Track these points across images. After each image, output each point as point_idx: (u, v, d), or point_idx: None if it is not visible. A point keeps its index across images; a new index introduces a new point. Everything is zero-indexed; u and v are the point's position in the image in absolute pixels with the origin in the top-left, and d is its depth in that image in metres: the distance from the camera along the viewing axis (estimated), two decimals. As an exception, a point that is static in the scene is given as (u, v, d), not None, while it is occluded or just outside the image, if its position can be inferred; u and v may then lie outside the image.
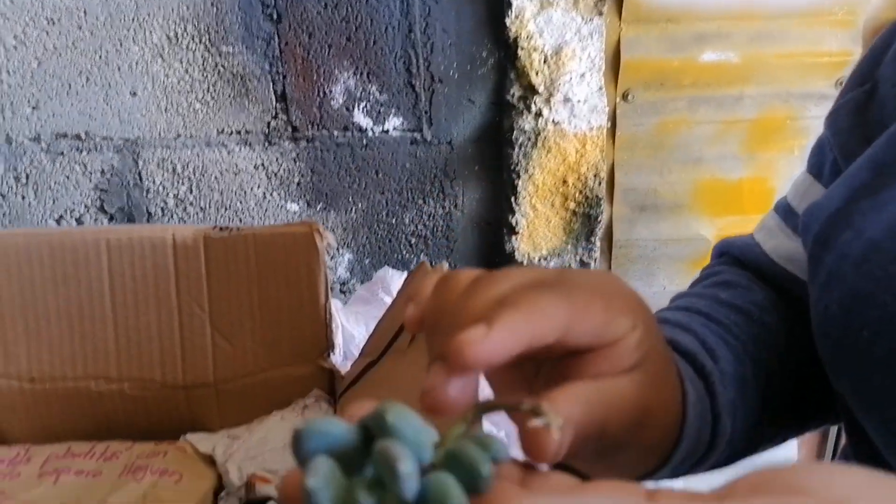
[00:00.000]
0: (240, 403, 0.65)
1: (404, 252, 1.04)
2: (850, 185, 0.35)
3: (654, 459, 0.32)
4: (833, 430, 1.09)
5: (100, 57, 0.93)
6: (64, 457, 0.59)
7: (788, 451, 1.10)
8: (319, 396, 0.65)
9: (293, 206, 1.01)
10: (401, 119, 0.95)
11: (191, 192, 0.99)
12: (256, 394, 0.65)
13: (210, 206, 1.00)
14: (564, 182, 0.93)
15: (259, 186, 0.99)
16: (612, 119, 0.92)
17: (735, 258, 0.45)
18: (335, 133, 0.96)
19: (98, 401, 0.63)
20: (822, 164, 0.41)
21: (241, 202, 1.00)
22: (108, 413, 0.63)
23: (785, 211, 0.43)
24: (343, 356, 0.70)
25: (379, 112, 0.95)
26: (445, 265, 0.66)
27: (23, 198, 0.99)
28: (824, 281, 0.34)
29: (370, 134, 0.96)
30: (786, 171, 0.95)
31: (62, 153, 0.97)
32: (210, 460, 0.60)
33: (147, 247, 0.61)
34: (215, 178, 0.99)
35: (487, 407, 0.23)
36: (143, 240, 0.61)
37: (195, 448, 0.61)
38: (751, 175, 0.95)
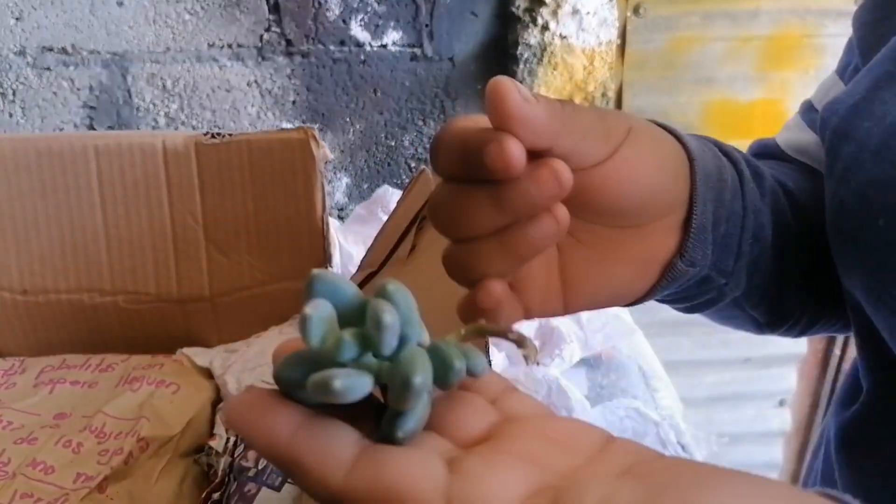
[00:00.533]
0: (236, 318, 0.63)
1: (403, 176, 1.01)
2: (871, 76, 0.34)
3: (670, 241, 0.31)
4: (830, 375, 1.09)
5: (83, -37, 0.88)
6: (59, 368, 0.58)
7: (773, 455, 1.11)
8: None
9: (288, 126, 0.98)
10: (400, 33, 0.91)
11: (182, 110, 0.96)
12: (253, 308, 0.63)
13: (202, 126, 0.96)
14: (571, 101, 0.89)
15: (252, 105, 0.96)
16: (622, 35, 0.88)
17: (753, 154, 0.46)
18: (331, 48, 0.92)
19: (92, 314, 0.62)
20: (847, 63, 0.40)
21: (234, 121, 0.96)
22: (102, 326, 0.62)
23: (805, 109, 0.43)
24: (341, 275, 0.68)
25: (377, 25, 0.91)
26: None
27: (10, 115, 0.95)
28: (841, 174, 0.34)
29: (368, 49, 0.92)
30: (800, 93, 0.92)
31: (48, 68, 0.93)
32: (207, 373, 0.59)
33: (137, 153, 0.59)
34: (207, 95, 0.95)
35: (478, 329, 0.26)
36: (133, 146, 0.59)
37: (192, 361, 0.60)
38: (764, 96, 0.92)
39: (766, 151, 0.44)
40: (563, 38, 0.86)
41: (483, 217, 0.26)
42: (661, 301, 0.36)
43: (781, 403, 1.12)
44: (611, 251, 0.31)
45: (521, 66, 0.88)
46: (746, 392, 1.09)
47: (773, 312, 0.38)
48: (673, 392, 0.70)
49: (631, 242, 0.31)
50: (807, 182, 0.40)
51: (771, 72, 0.91)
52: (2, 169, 0.59)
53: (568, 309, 0.31)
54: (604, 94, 0.89)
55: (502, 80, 0.24)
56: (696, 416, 0.66)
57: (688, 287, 0.34)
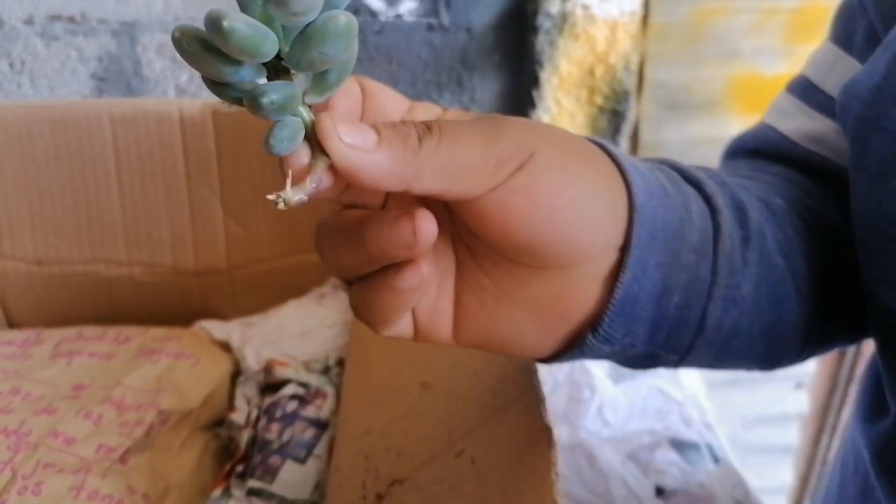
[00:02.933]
0: (254, 291, 0.62)
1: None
2: (893, 52, 0.29)
3: (589, 297, 0.26)
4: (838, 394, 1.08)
5: (92, -72, 0.86)
6: (76, 339, 0.57)
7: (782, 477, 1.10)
8: (337, 285, 0.62)
9: (302, 99, 0.96)
10: (416, 2, 0.89)
11: (192, 82, 0.94)
12: (271, 282, 0.62)
13: (212, 97, 0.95)
14: (591, 74, 0.87)
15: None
16: (646, 6, 0.86)
17: (750, 151, 0.40)
18: (347, 18, 0.90)
19: (108, 285, 0.60)
20: (852, 32, 0.35)
21: (247, 94, 0.95)
22: (118, 298, 0.61)
23: (804, 89, 0.38)
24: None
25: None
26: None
27: (18, 86, 0.93)
28: (877, 169, 0.29)
29: (382, 18, 0.90)
30: (826, 66, 0.90)
31: (57, 37, 0.91)
32: (225, 346, 0.58)
33: (153, 121, 0.57)
34: (220, 67, 0.93)
35: None
36: (149, 114, 0.57)
37: (210, 334, 0.59)
38: (789, 70, 0.89)
39: (769, 147, 0.38)
40: (584, 7, 0.84)
41: (349, 259, 0.24)
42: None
43: (799, 386, 1.11)
44: (510, 289, 0.26)
45: (542, 36, 0.86)
46: (763, 374, 1.08)
47: (760, 364, 0.33)
48: (695, 372, 0.69)
49: (536, 285, 0.25)
50: (817, 186, 0.35)
51: (797, 45, 0.89)
52: (16, 136, 0.57)
53: (458, 339, 0.27)
54: (626, 67, 0.87)
55: (323, 122, 0.21)
56: (714, 398, 0.65)
57: (626, 358, 0.28)
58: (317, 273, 0.62)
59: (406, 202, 0.25)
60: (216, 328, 0.59)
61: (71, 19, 0.90)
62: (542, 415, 0.31)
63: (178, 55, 0.89)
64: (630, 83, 0.88)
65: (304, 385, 0.51)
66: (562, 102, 0.90)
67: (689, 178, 0.29)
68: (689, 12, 0.86)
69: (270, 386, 0.53)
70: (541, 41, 0.86)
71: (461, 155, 0.22)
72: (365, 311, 0.25)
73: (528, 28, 0.86)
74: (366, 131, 0.21)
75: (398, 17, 0.89)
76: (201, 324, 0.59)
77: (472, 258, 0.26)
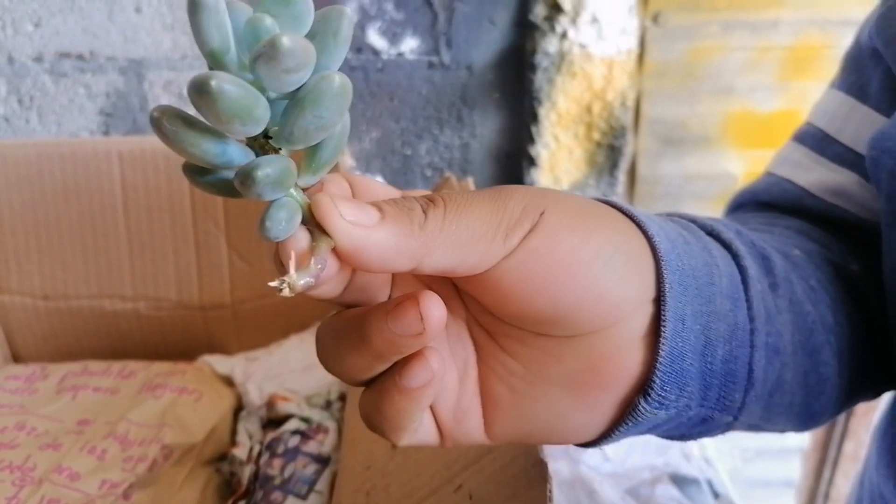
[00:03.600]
0: (257, 325, 0.63)
1: (419, 185, 1.01)
2: None
3: (630, 361, 0.24)
4: (836, 435, 1.08)
5: (103, -30, 0.88)
6: (81, 374, 0.58)
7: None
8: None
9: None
10: (417, 41, 0.91)
11: (197, 117, 0.96)
12: (274, 316, 0.63)
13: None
14: (589, 110, 0.89)
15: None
16: (641, 44, 0.88)
17: (762, 204, 0.38)
18: (348, 55, 0.92)
19: (113, 320, 0.61)
20: (866, 81, 0.35)
21: (251, 129, 0.96)
22: (123, 333, 0.61)
23: (818, 140, 0.37)
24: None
25: (394, 32, 0.91)
26: (471, 182, 0.63)
27: (27, 122, 0.95)
28: None
29: (385, 56, 0.92)
30: (819, 102, 0.91)
31: (65, 74, 0.93)
32: (228, 381, 0.59)
33: (160, 158, 0.59)
34: (225, 103, 0.95)
35: None
36: (156, 151, 0.59)
37: (213, 369, 0.59)
38: (784, 107, 0.91)
39: (785, 200, 0.37)
40: (581, 46, 0.86)
41: (355, 360, 0.21)
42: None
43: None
44: (542, 367, 0.23)
45: (540, 74, 0.88)
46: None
47: (799, 421, 0.31)
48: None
49: (569, 357, 0.23)
50: (836, 239, 0.34)
51: (791, 82, 0.90)
52: (25, 174, 0.58)
53: (492, 436, 0.24)
54: (623, 103, 0.88)
55: (322, 203, 0.19)
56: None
57: (678, 426, 0.25)
58: (319, 307, 0.62)
59: (410, 289, 0.23)
60: (219, 363, 0.60)
61: (80, 57, 0.92)
62: (536, 449, 0.31)
63: (184, 91, 0.90)
64: (627, 119, 0.89)
65: (305, 420, 0.52)
66: (560, 138, 0.91)
67: (703, 226, 0.28)
68: (684, 50, 0.88)
69: (273, 421, 0.54)
70: (539, 79, 0.88)
71: (469, 224, 0.20)
72: (377, 420, 0.22)
73: (527, 66, 0.88)
74: (367, 208, 0.20)
75: (400, 55, 0.91)
76: (205, 358, 0.60)
77: (492, 341, 0.24)
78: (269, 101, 0.19)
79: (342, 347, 0.22)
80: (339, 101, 0.19)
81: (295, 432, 0.51)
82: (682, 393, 0.24)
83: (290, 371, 0.57)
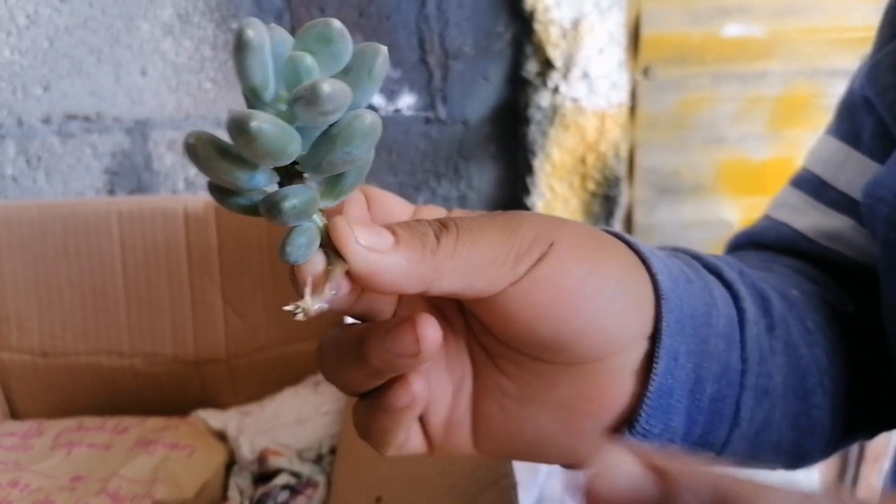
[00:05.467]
0: (252, 379, 0.63)
1: (418, 236, 1.02)
2: None
3: (621, 391, 0.24)
4: (853, 455, 1.07)
5: (111, 35, 0.92)
6: (76, 430, 0.58)
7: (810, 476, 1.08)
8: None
9: (306, 189, 0.99)
10: (414, 97, 0.94)
11: (201, 176, 0.98)
12: (268, 370, 0.63)
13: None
14: (583, 161, 0.91)
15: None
16: (633, 97, 0.90)
17: (760, 245, 0.39)
18: (349, 113, 0.94)
19: (109, 376, 0.62)
20: (859, 129, 0.36)
21: (253, 185, 0.98)
22: (119, 388, 0.62)
23: (814, 185, 0.37)
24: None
25: (392, 90, 0.93)
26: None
27: (34, 181, 0.98)
28: None
29: (382, 113, 0.94)
30: (811, 150, 0.93)
31: (73, 135, 0.96)
32: (222, 436, 0.59)
33: (159, 218, 0.60)
34: (227, 160, 0.97)
35: None
36: (155, 211, 0.60)
37: (206, 424, 0.59)
38: (776, 155, 0.93)
39: (782, 243, 0.37)
40: (573, 100, 0.88)
41: (353, 375, 0.22)
42: None
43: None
44: (535, 390, 0.24)
45: (533, 127, 0.90)
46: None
47: (787, 461, 0.31)
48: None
49: (563, 384, 0.24)
50: (833, 280, 0.34)
51: (781, 131, 0.92)
52: (28, 234, 0.60)
53: (480, 449, 0.25)
54: (616, 154, 0.90)
55: (338, 226, 0.20)
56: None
57: None
58: (312, 361, 0.63)
59: (415, 308, 0.24)
60: (213, 417, 0.60)
61: (87, 118, 0.95)
62: (513, 501, 0.31)
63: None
64: (621, 169, 0.91)
65: (295, 475, 0.52)
66: (555, 189, 0.93)
67: (707, 265, 0.28)
68: (675, 102, 0.90)
69: (264, 475, 0.54)
70: (533, 132, 0.90)
71: (480, 250, 0.21)
72: (364, 432, 0.24)
73: (521, 120, 0.90)
74: (382, 233, 0.20)
75: (397, 111, 0.94)
76: (198, 413, 0.60)
77: (489, 361, 0.25)
78: (300, 129, 0.19)
79: (343, 362, 0.23)
80: (369, 139, 0.20)
81: (284, 487, 0.50)
82: (667, 428, 0.25)
83: (282, 425, 0.57)
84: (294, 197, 0.19)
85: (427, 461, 0.39)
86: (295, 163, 0.20)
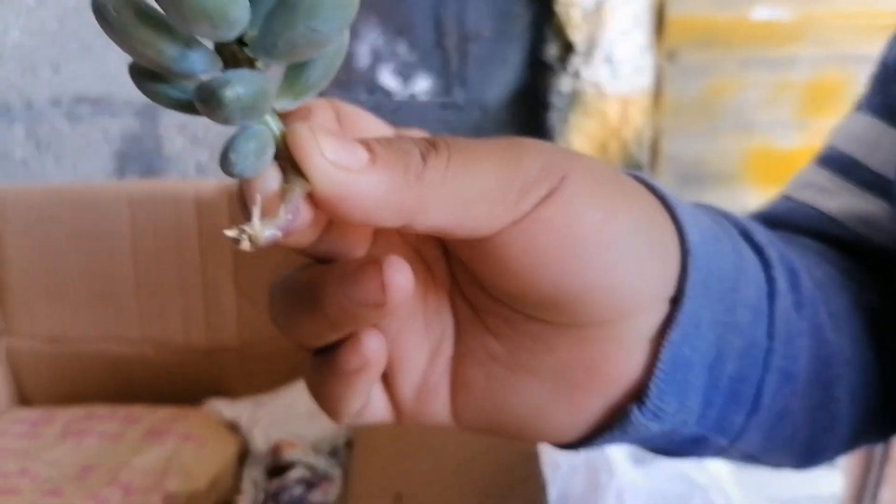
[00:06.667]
0: (264, 369, 0.62)
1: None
2: None
3: (628, 362, 0.21)
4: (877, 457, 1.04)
5: (122, 16, 0.90)
6: (86, 419, 0.57)
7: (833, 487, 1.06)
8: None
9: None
10: (430, 81, 0.91)
11: (212, 159, 0.96)
12: (282, 359, 0.61)
13: (229, 179, 0.97)
14: (605, 148, 0.88)
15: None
16: (657, 82, 0.87)
17: (778, 224, 0.35)
18: (361, 96, 0.92)
19: (119, 363, 0.60)
20: (894, 102, 0.33)
21: (265, 170, 0.97)
22: (129, 376, 0.61)
23: (843, 164, 0.34)
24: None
25: (407, 74, 0.91)
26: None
27: (43, 164, 0.96)
28: None
29: (397, 98, 0.92)
30: (840, 138, 0.90)
31: (82, 118, 0.95)
32: (234, 426, 0.57)
33: (169, 203, 0.58)
34: (239, 144, 0.96)
35: None
36: (166, 195, 0.58)
37: (219, 414, 0.58)
38: (805, 143, 0.90)
39: (806, 224, 0.34)
40: (595, 85, 0.85)
41: (306, 325, 0.19)
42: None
43: (831, 466, 1.06)
44: (528, 355, 0.21)
45: (554, 113, 0.87)
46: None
47: (800, 457, 0.28)
48: (719, 452, 0.67)
49: (562, 348, 0.20)
50: (856, 267, 0.31)
51: (811, 118, 0.89)
52: (36, 218, 0.58)
53: (458, 421, 0.22)
54: (639, 141, 0.87)
55: (300, 135, 0.16)
56: (745, 478, 0.62)
57: (669, 443, 0.23)
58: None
59: (390, 250, 0.20)
60: (226, 408, 0.58)
61: (96, 101, 0.93)
62: (544, 502, 0.29)
63: (198, 134, 0.91)
64: (643, 157, 0.88)
65: (311, 468, 0.50)
66: (576, 176, 0.90)
67: (736, 224, 0.24)
68: (702, 87, 0.87)
69: (277, 468, 0.52)
70: (553, 118, 0.87)
71: (477, 178, 0.17)
72: (316, 396, 0.20)
73: (541, 105, 0.88)
74: (355, 148, 0.17)
75: (413, 96, 0.91)
76: (211, 402, 0.59)
77: (476, 318, 0.21)
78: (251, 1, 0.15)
79: (294, 308, 0.19)
80: (340, 13, 0.15)
81: (300, 481, 0.49)
82: (682, 407, 0.21)
83: (297, 416, 0.56)
84: (239, 84, 0.15)
85: (450, 458, 0.37)
86: (243, 44, 0.16)
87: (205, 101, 0.15)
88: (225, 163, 0.16)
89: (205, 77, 0.16)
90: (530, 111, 0.89)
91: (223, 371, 0.62)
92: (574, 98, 0.86)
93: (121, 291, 0.60)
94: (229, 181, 0.61)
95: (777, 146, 0.90)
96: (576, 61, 0.84)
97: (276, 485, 0.50)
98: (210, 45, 0.16)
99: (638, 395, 0.21)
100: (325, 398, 0.20)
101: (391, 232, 0.20)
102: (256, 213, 0.16)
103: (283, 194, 0.16)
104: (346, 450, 0.52)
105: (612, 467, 0.57)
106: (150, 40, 0.15)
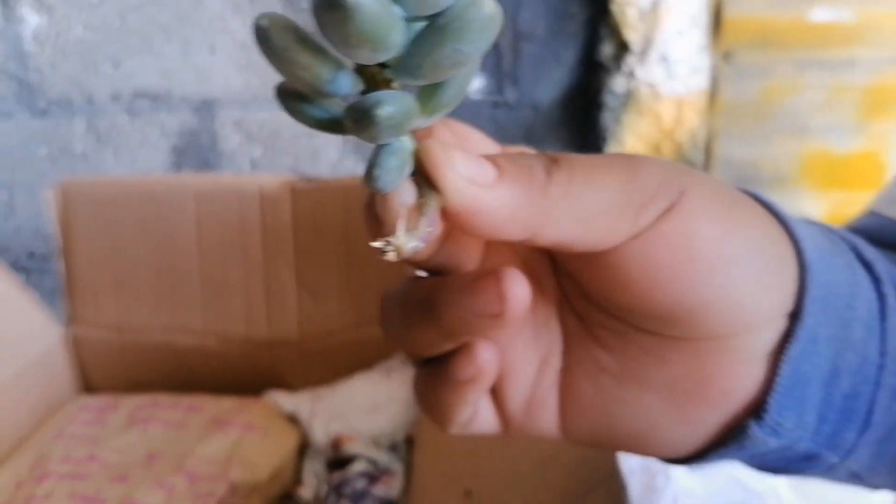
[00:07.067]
0: (322, 363, 0.63)
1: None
2: None
3: (744, 377, 0.20)
4: None
5: (180, 13, 0.92)
6: (150, 407, 0.58)
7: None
8: (404, 360, 0.62)
9: (368, 172, 0.98)
10: (483, 80, 0.92)
11: (265, 154, 0.98)
12: (340, 354, 0.62)
13: (284, 170, 0.98)
14: (658, 150, 0.87)
15: (333, 150, 0.97)
16: (713, 83, 0.86)
17: (871, 244, 0.35)
18: (415, 95, 0.93)
19: (182, 353, 0.62)
20: None
21: (313, 166, 0.98)
22: (191, 366, 0.62)
23: None
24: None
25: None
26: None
27: (102, 158, 0.99)
28: None
29: (452, 109, 0.92)
30: (900, 143, 0.88)
31: (141, 113, 0.97)
32: (293, 418, 0.58)
33: (234, 197, 0.59)
34: (289, 140, 0.97)
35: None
36: (231, 190, 0.60)
37: (278, 406, 0.59)
38: (863, 148, 0.88)
39: None
40: (650, 85, 0.85)
41: (419, 334, 0.19)
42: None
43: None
44: (641, 368, 0.21)
45: (607, 113, 0.87)
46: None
47: None
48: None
49: (677, 362, 0.20)
50: None
51: (869, 122, 0.87)
52: (105, 210, 0.60)
53: (567, 434, 0.22)
54: (693, 143, 0.87)
55: (435, 152, 0.17)
56: (801, 486, 0.61)
57: (780, 458, 0.23)
58: (385, 346, 0.62)
59: (502, 263, 0.20)
60: (285, 400, 0.59)
61: (155, 96, 0.96)
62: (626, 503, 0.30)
63: (253, 129, 0.92)
64: (698, 159, 0.87)
65: (372, 462, 0.51)
66: (627, 177, 0.90)
67: (844, 238, 0.24)
68: (758, 89, 0.86)
69: (337, 461, 0.53)
70: (606, 118, 0.87)
71: (598, 193, 0.18)
72: (424, 405, 0.21)
73: (594, 105, 0.88)
74: (483, 163, 0.17)
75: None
76: (271, 395, 0.60)
77: (584, 331, 0.21)
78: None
79: (409, 319, 0.19)
80: (485, 35, 0.16)
81: (362, 474, 0.50)
82: (800, 423, 0.21)
83: (355, 410, 0.57)
84: (390, 104, 0.15)
85: (524, 455, 0.37)
86: (384, 66, 0.16)
87: (357, 120, 0.16)
88: (370, 179, 0.17)
89: (350, 98, 0.16)
90: (583, 111, 0.89)
91: (281, 364, 0.63)
92: (628, 98, 0.86)
93: (185, 283, 0.61)
94: (291, 177, 0.62)
95: (834, 150, 0.88)
96: (631, 61, 0.84)
97: (338, 477, 0.50)
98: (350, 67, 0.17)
99: (755, 410, 0.21)
100: (435, 406, 0.20)
101: (502, 245, 0.21)
102: (402, 225, 0.17)
103: (419, 208, 0.17)
104: (405, 445, 0.53)
105: (668, 471, 0.56)
106: (307, 64, 0.16)
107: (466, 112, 0.93)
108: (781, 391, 0.20)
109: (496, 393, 0.21)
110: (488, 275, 0.17)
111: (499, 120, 0.93)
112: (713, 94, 0.86)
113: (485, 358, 0.19)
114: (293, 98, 0.17)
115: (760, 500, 0.57)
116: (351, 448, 0.52)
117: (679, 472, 0.58)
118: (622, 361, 0.21)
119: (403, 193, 0.17)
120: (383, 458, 0.51)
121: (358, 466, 0.50)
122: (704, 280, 0.18)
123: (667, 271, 0.18)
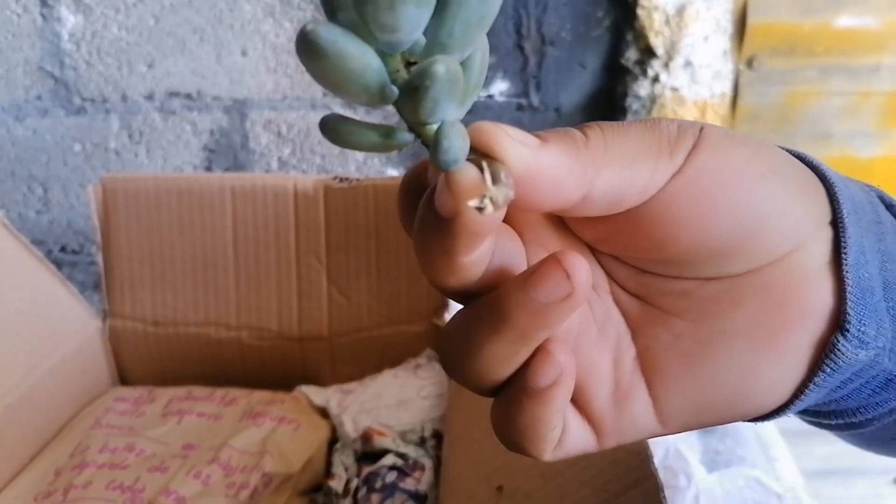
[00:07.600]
0: (351, 358, 0.64)
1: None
2: None
3: (819, 295, 0.21)
4: None
5: (214, 15, 0.94)
6: (185, 399, 0.60)
7: None
8: (432, 356, 0.63)
9: (393, 172, 1.00)
10: (507, 83, 0.93)
11: (294, 154, 1.00)
12: (369, 350, 0.64)
13: (312, 169, 1.00)
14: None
15: (360, 151, 0.99)
16: (735, 88, 0.87)
17: None
18: (441, 97, 0.94)
19: (216, 347, 0.64)
20: None
21: (342, 166, 1.00)
22: (225, 360, 0.64)
23: None
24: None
25: (486, 76, 0.93)
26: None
27: (135, 156, 1.01)
28: None
29: (475, 98, 0.94)
30: (923, 150, 0.88)
31: (174, 112, 0.99)
32: (323, 412, 0.60)
33: (270, 195, 0.61)
34: (318, 140, 0.99)
35: None
36: (266, 187, 0.61)
37: (309, 399, 0.61)
38: (885, 154, 0.89)
39: None
40: (674, 90, 0.85)
41: (494, 349, 0.19)
42: (820, 421, 0.24)
43: (896, 480, 1.05)
44: (717, 317, 0.21)
45: (630, 117, 0.88)
46: (858, 467, 1.03)
47: None
48: (793, 463, 0.67)
49: (748, 299, 0.21)
50: None
51: (892, 129, 0.88)
52: (144, 205, 0.62)
53: (664, 418, 0.21)
54: (715, 147, 0.87)
55: (487, 127, 0.18)
56: (820, 489, 0.62)
57: (861, 389, 0.22)
58: (412, 343, 0.63)
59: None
60: (315, 394, 0.61)
61: (188, 96, 0.98)
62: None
63: (282, 129, 0.93)
64: (719, 163, 0.88)
65: (402, 456, 0.52)
66: (649, 180, 0.91)
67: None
68: (780, 95, 0.87)
69: (367, 454, 0.55)
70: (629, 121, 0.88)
71: (632, 142, 0.19)
72: (512, 434, 0.20)
73: (617, 109, 0.89)
74: (527, 133, 0.19)
75: (489, 97, 0.93)
76: (302, 388, 0.62)
77: (647, 307, 0.22)
78: None
79: (478, 335, 0.19)
80: None
81: (392, 468, 0.51)
82: (880, 330, 0.21)
83: (384, 405, 0.58)
84: (443, 62, 0.16)
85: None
86: (411, 63, 0.17)
87: (416, 86, 0.16)
88: (439, 155, 0.17)
89: (386, 87, 0.17)
90: (606, 115, 0.90)
91: (312, 359, 0.64)
92: (652, 102, 0.87)
93: (221, 279, 0.63)
94: (325, 177, 0.64)
95: (856, 156, 0.89)
96: (655, 65, 0.85)
97: (368, 470, 0.52)
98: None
99: (837, 324, 0.21)
100: (522, 431, 0.20)
101: (544, 248, 0.22)
102: (488, 177, 0.17)
103: (492, 174, 0.18)
104: (433, 440, 0.54)
105: (689, 471, 0.57)
106: (355, 52, 0.16)
107: (490, 115, 0.94)
108: (854, 299, 0.20)
109: (579, 401, 0.21)
110: (548, 259, 0.18)
111: (523, 123, 0.94)
112: (736, 99, 0.87)
113: (563, 357, 0.19)
114: (337, 123, 0.18)
115: (779, 500, 0.58)
116: (381, 442, 0.54)
117: (698, 472, 0.59)
118: (696, 319, 0.21)
119: (467, 169, 0.18)
120: (413, 452, 0.52)
121: (388, 460, 0.52)
122: (747, 200, 0.20)
123: (711, 200, 0.19)
